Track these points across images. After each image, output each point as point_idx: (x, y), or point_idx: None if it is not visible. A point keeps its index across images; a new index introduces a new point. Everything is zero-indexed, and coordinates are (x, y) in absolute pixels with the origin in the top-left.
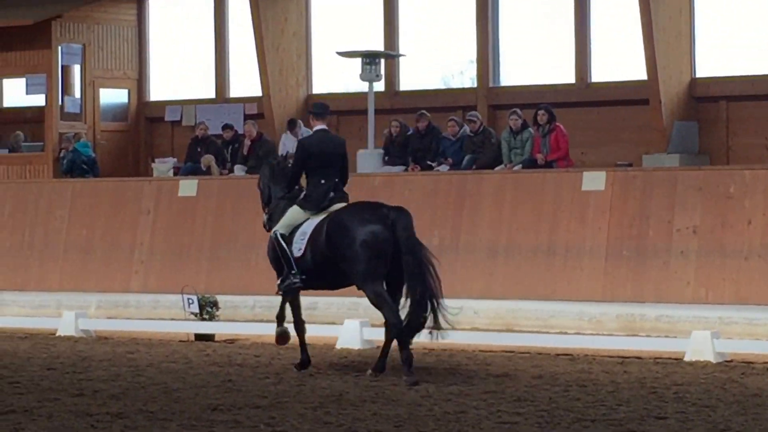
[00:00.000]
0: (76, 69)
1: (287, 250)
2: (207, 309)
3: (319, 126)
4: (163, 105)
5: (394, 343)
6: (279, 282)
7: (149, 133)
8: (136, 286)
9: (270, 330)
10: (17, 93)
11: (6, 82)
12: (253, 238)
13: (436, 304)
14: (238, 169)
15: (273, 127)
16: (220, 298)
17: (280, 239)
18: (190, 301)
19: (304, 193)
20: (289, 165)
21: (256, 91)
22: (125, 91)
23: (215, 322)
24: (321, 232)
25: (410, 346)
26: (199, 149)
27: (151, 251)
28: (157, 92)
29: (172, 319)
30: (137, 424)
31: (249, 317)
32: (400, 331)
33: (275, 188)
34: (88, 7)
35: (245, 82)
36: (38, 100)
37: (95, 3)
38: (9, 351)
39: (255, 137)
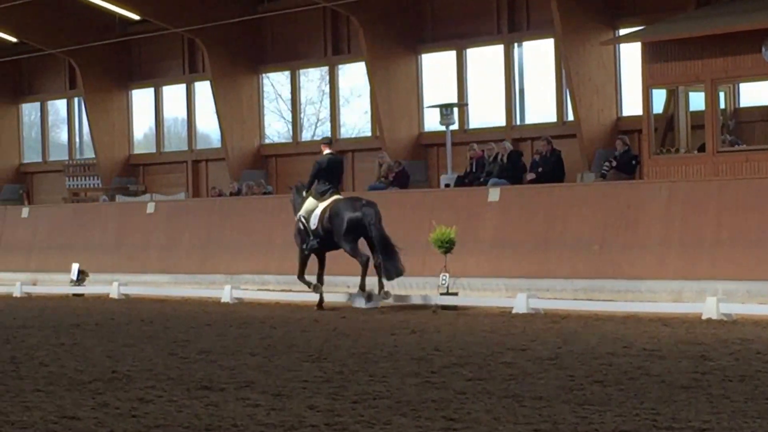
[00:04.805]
0: None
1: (308, 225)
2: None
3: (327, 150)
4: None
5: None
6: (304, 245)
7: None
8: None
9: None
10: None
11: None
12: None
13: (397, 253)
14: None
15: None
16: None
17: (303, 219)
18: None
19: (316, 189)
20: (303, 186)
21: None
22: None
23: None
24: (325, 214)
25: (386, 289)
26: None
27: None
28: None
29: None
30: None
31: None
32: (367, 261)
33: (297, 197)
34: None
35: None
36: None
37: None
38: None
39: None
